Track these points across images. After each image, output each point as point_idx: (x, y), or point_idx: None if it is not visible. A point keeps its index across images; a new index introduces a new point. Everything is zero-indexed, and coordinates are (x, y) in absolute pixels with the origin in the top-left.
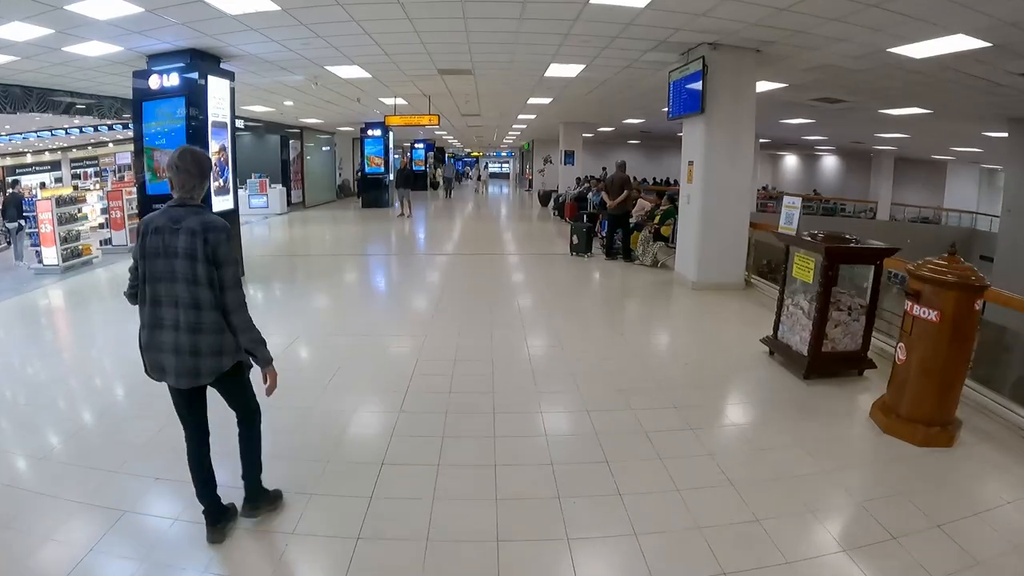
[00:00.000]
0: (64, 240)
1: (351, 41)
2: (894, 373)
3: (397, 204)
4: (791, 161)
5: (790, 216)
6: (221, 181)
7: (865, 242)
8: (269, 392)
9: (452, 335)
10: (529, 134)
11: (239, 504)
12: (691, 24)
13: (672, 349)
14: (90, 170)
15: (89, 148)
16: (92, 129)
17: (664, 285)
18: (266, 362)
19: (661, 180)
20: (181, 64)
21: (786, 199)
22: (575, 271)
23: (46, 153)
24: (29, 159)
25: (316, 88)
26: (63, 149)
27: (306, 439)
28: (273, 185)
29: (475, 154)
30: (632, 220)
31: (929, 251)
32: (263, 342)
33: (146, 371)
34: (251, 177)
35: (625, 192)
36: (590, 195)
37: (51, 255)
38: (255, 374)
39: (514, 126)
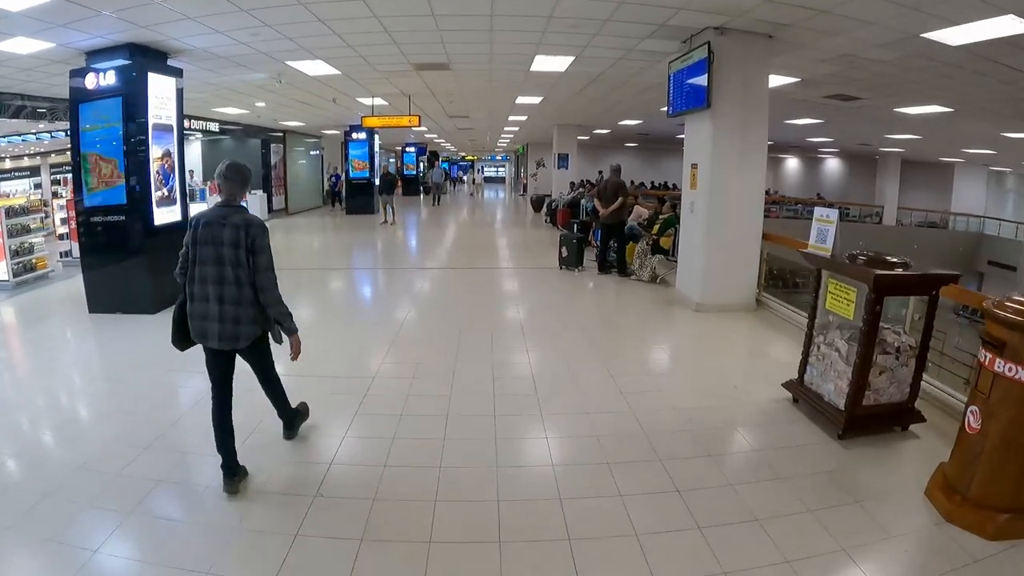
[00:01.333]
0: (16, 254)
1: (304, 30)
2: (961, 443)
3: (382, 211)
4: (792, 164)
5: (823, 233)
6: (165, 191)
7: (925, 269)
8: (294, 358)
9: (405, 379)
10: (523, 137)
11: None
12: (694, 3)
13: (672, 396)
14: (69, 176)
15: (68, 153)
16: (64, 133)
17: (663, 306)
18: (291, 332)
19: (660, 184)
20: (119, 61)
21: (818, 212)
22: (562, 289)
23: (25, 159)
24: (8, 164)
25: (284, 87)
26: (42, 154)
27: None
28: (253, 191)
29: (469, 158)
30: (628, 227)
31: (937, 257)
32: (290, 315)
33: (179, 340)
34: None
35: (620, 199)
36: (583, 201)
37: (1, 269)
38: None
39: (506, 128)
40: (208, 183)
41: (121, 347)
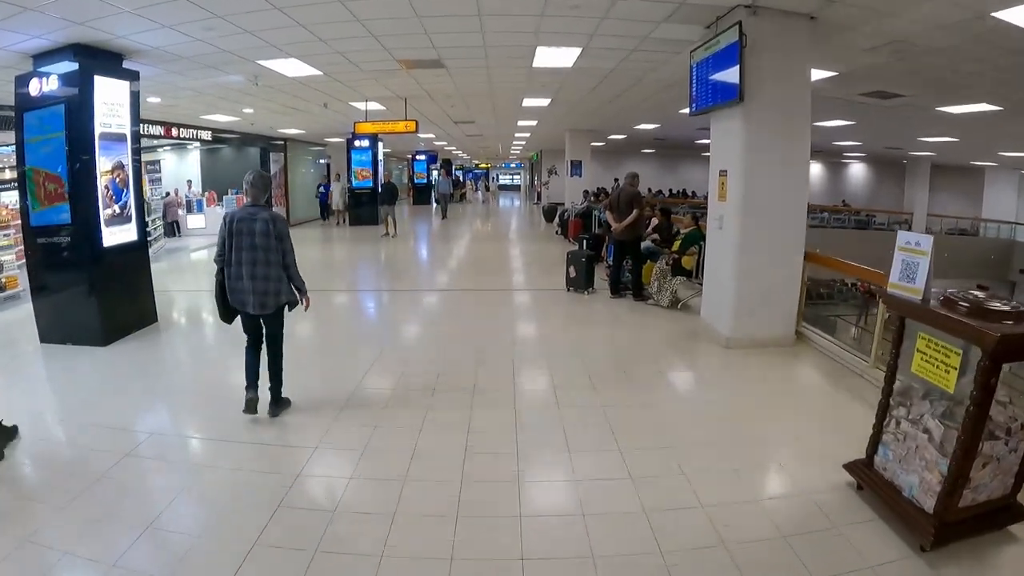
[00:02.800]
0: None
1: (263, 22)
2: None
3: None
4: (815, 169)
5: (911, 268)
6: (116, 207)
7: None
8: (306, 309)
9: (352, 452)
10: (535, 144)
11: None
12: None
13: (699, 484)
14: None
15: None
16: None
17: (685, 341)
18: (304, 292)
19: (678, 192)
20: (64, 63)
21: (903, 237)
22: (567, 318)
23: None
24: (8, 175)
25: (269, 91)
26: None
27: None
28: None
29: (483, 166)
30: (645, 245)
31: (968, 266)
32: (304, 282)
33: (225, 316)
34: (228, 193)
35: (635, 212)
36: (599, 210)
37: None
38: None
39: (516, 135)
40: (206, 193)
41: (57, 386)
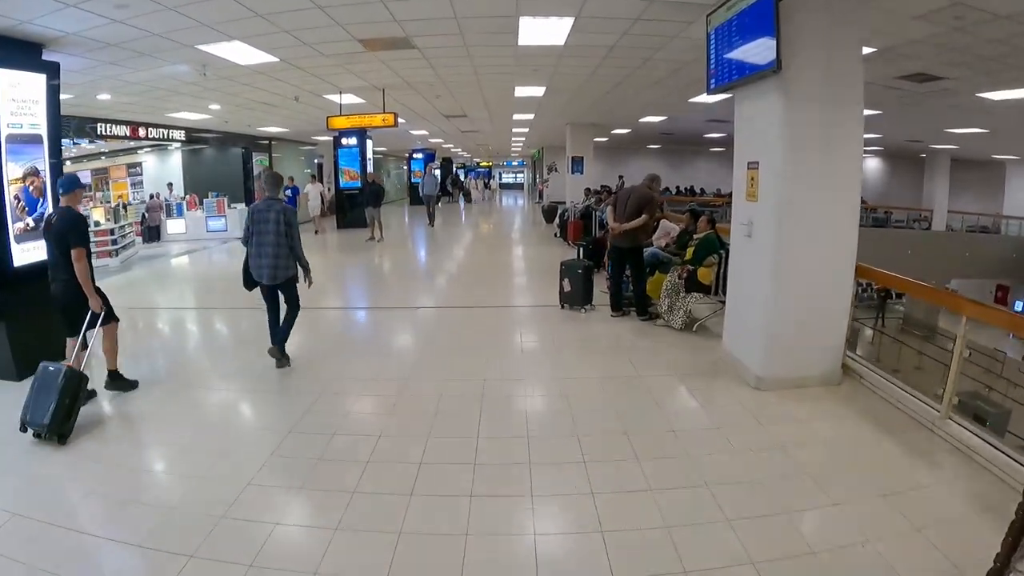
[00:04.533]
0: None
1: None
2: None
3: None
4: None
5: None
6: (30, 220)
7: None
8: (309, 287)
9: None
10: (535, 140)
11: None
12: None
13: None
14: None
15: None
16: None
17: (704, 379)
18: (308, 270)
19: (685, 189)
20: None
21: None
22: (559, 344)
23: None
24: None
25: (224, 83)
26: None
27: None
28: (233, 205)
29: (484, 164)
30: (651, 253)
31: (990, 265)
32: (308, 263)
33: (247, 284)
34: (207, 196)
35: (643, 217)
36: (600, 211)
37: None
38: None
39: (514, 130)
40: (186, 197)
41: None
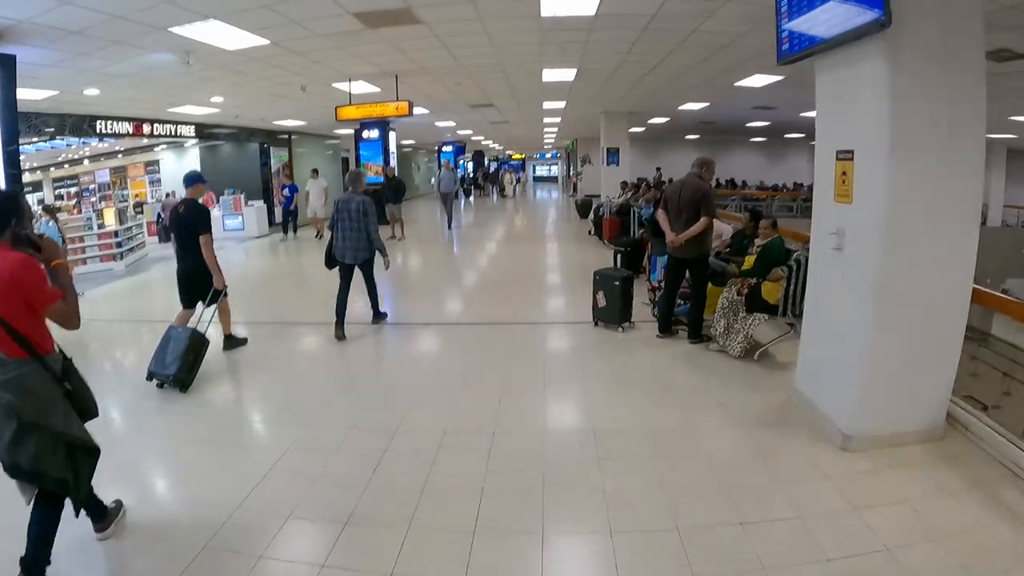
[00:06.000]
0: None
1: None
2: None
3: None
4: None
5: None
6: None
7: None
8: (387, 268)
9: None
10: (568, 130)
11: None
12: None
13: None
14: (72, 189)
15: (66, 167)
16: (49, 144)
17: (773, 433)
18: (385, 254)
19: (726, 182)
20: None
21: None
22: (589, 376)
23: (26, 173)
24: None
25: (221, 73)
26: (42, 168)
27: None
28: (251, 202)
29: (517, 156)
30: (716, 265)
31: None
32: (384, 246)
33: (328, 263)
34: (224, 193)
35: (704, 219)
36: (637, 207)
37: None
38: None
39: (545, 120)
40: (204, 195)
41: None
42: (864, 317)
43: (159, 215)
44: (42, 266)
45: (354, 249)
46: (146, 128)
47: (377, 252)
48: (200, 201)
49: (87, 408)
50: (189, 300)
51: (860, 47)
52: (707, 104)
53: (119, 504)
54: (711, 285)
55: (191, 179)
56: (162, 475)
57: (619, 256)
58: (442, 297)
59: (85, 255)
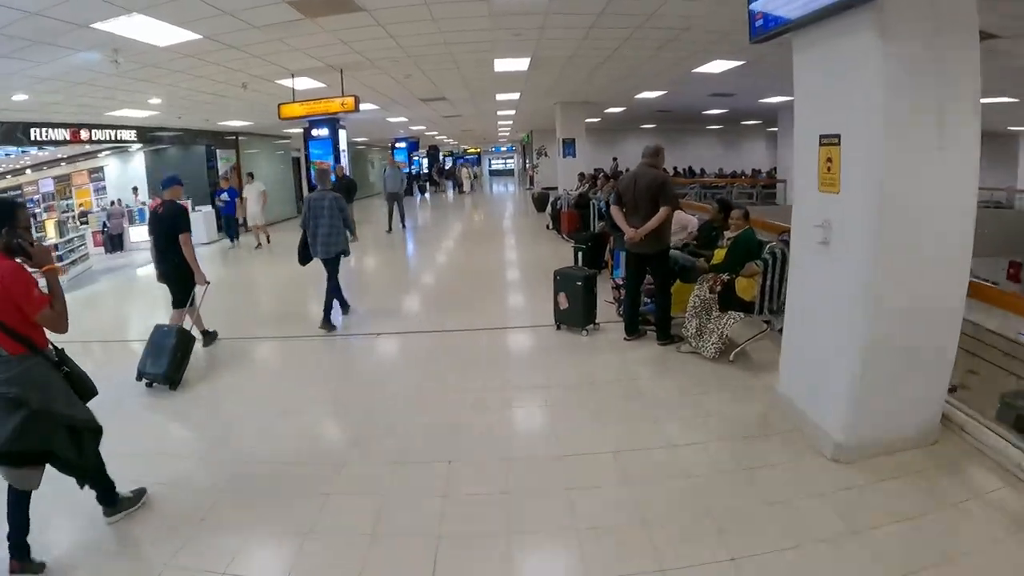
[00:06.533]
0: None
1: None
2: None
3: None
4: None
5: None
6: None
7: None
8: (355, 240)
9: None
10: (523, 123)
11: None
12: None
13: None
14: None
15: (9, 177)
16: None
17: (760, 445)
18: (353, 232)
19: (684, 170)
20: None
21: None
22: (554, 389)
23: None
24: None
25: (155, 73)
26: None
27: None
28: (198, 208)
29: (472, 151)
30: (681, 259)
31: (1002, 242)
32: (355, 224)
33: (303, 260)
34: None
35: (664, 210)
36: (595, 199)
37: None
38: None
39: (499, 113)
40: (148, 201)
41: None
42: (856, 316)
43: (104, 224)
44: (33, 272)
45: (325, 244)
46: (84, 134)
47: (350, 230)
48: (179, 202)
49: (86, 389)
50: (178, 299)
51: (846, 20)
52: (664, 92)
53: (138, 494)
54: (680, 282)
55: (168, 181)
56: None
57: (580, 254)
58: (395, 304)
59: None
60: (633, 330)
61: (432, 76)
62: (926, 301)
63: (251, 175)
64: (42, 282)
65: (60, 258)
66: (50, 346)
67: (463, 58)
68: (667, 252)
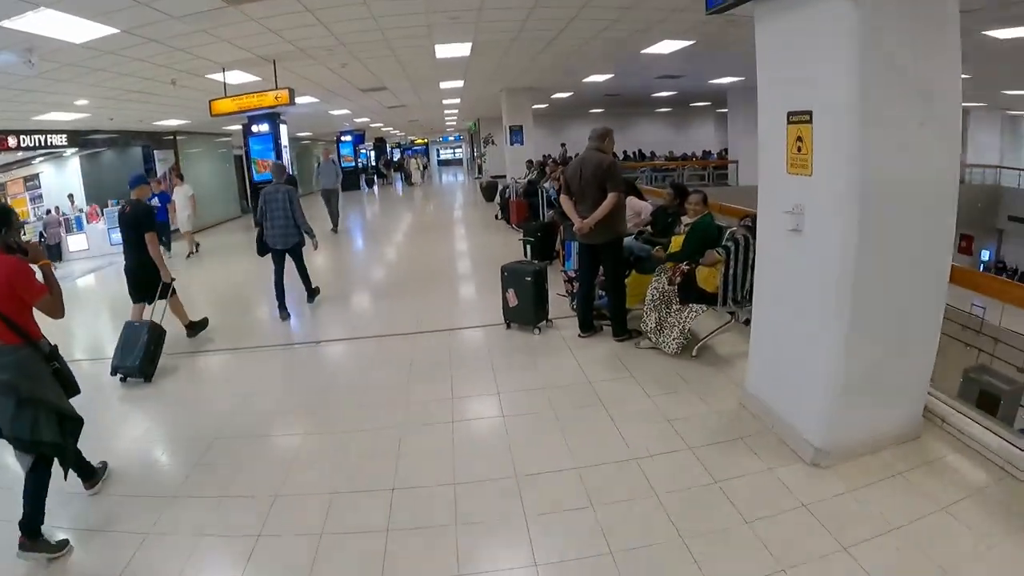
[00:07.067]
0: None
1: None
2: None
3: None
4: None
5: None
6: None
7: None
8: (316, 248)
9: None
10: (469, 111)
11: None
12: None
13: None
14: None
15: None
16: None
17: (728, 448)
18: (312, 236)
19: (633, 154)
20: None
21: None
22: (505, 397)
23: None
24: None
25: (78, 72)
26: None
27: None
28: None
29: (419, 141)
30: (637, 248)
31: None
32: (311, 229)
33: (260, 251)
34: (108, 204)
35: (612, 196)
36: (545, 185)
37: None
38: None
39: (445, 102)
40: (86, 208)
41: None
42: (832, 310)
43: (41, 234)
44: (31, 266)
45: (284, 235)
46: (11, 141)
47: (306, 235)
48: (146, 201)
49: (71, 385)
50: (139, 295)
51: None
52: (612, 76)
53: (104, 465)
54: (636, 273)
55: (135, 181)
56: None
57: (528, 246)
58: (338, 307)
59: None
60: (588, 327)
61: (370, 65)
62: (908, 288)
63: (180, 176)
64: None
65: None
66: (43, 340)
67: (400, 44)
68: (620, 241)
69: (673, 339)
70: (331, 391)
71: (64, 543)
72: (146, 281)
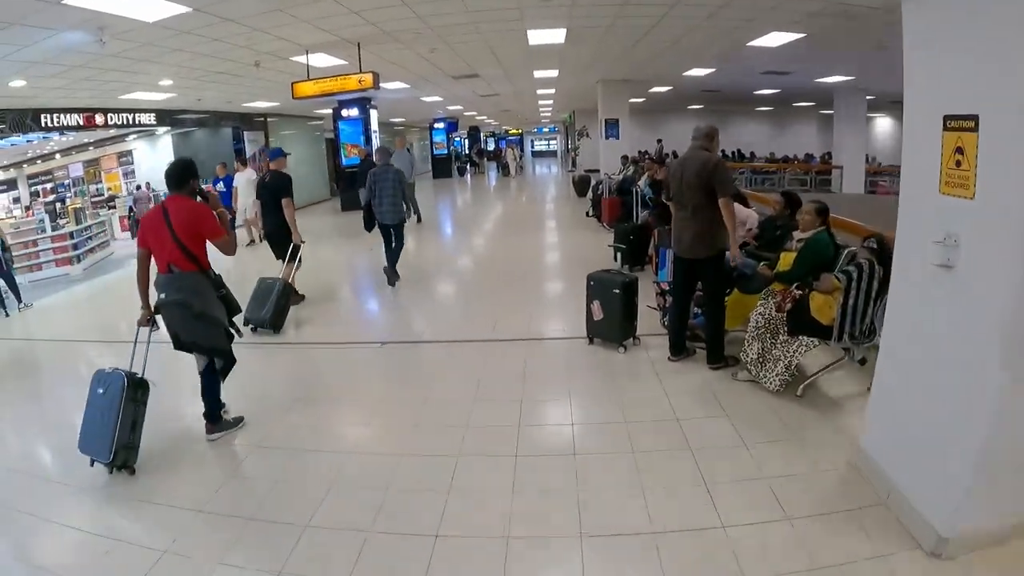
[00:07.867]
0: None
1: None
2: None
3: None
4: (885, 125)
5: None
6: None
7: None
8: (419, 221)
9: None
10: (563, 102)
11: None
12: None
13: None
14: (48, 185)
15: (39, 162)
16: (8, 142)
17: (832, 522)
18: (417, 209)
19: (732, 154)
20: None
21: None
22: (581, 430)
23: None
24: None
25: (162, 53)
26: (15, 165)
27: None
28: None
29: (514, 132)
30: (741, 265)
31: None
32: (417, 204)
33: (368, 225)
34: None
35: (725, 203)
36: (640, 183)
37: None
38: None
39: (539, 91)
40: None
41: None
42: (989, 367)
43: (131, 209)
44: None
45: (392, 212)
46: (99, 119)
47: (413, 212)
48: (283, 172)
49: (234, 308)
50: (278, 254)
51: None
52: (713, 70)
53: (239, 420)
54: (738, 292)
55: (274, 153)
56: None
57: (618, 253)
58: (411, 301)
59: (40, 260)
60: (679, 350)
61: (460, 51)
62: None
63: (244, 161)
64: None
65: (75, 246)
66: (211, 270)
67: (489, 28)
68: (722, 256)
69: (776, 375)
70: (386, 403)
71: (239, 419)
72: (280, 241)
